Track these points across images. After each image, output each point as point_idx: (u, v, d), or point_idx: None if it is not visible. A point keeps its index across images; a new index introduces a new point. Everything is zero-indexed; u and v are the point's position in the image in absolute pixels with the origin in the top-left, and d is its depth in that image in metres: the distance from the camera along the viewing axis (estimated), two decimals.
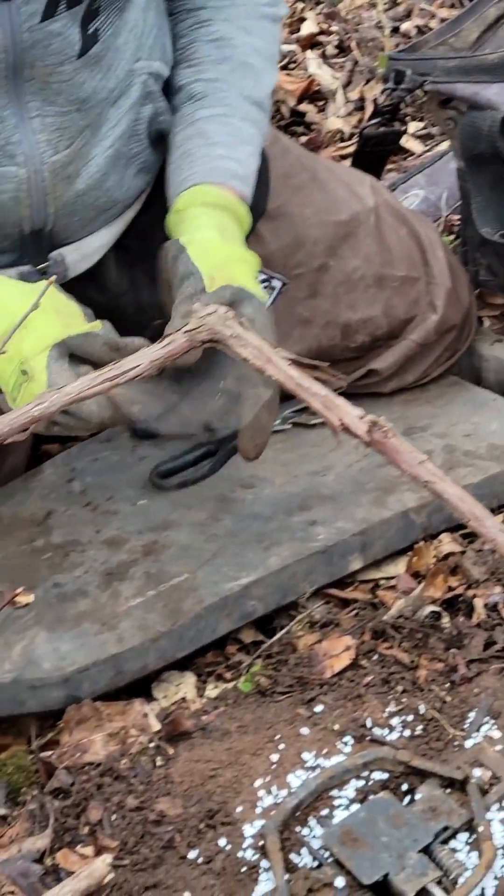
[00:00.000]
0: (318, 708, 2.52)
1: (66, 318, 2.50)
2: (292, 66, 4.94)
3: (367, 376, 3.17)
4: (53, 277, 2.34)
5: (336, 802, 2.33)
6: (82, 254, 2.81)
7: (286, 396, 2.25)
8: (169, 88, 2.82)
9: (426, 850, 2.21)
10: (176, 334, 2.15)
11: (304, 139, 4.51)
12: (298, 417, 3.11)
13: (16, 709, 2.57)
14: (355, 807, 2.31)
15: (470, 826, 2.26)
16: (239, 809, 2.35)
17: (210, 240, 2.57)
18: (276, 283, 2.85)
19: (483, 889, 2.18)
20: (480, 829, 2.24)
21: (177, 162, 2.73)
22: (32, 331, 2.45)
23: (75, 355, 2.45)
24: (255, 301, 2.48)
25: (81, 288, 2.83)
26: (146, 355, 2.14)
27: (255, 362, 2.14)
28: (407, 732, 2.46)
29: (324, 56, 4.96)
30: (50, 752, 2.52)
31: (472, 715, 2.47)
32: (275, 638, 2.68)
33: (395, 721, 2.48)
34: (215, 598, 2.66)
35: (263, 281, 2.84)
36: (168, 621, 2.62)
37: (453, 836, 2.25)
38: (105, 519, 2.93)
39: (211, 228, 2.59)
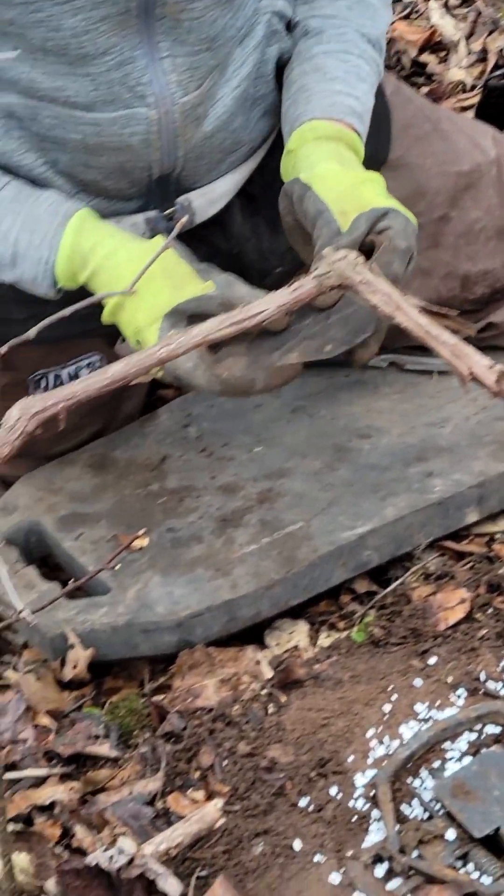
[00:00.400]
0: (432, 660, 2.47)
1: (176, 279, 2.43)
2: (414, 16, 4.84)
3: (485, 329, 3.09)
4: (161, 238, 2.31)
5: (448, 755, 2.29)
6: (209, 199, 2.76)
7: None
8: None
9: None
10: (305, 279, 2.10)
11: (425, 90, 4.42)
12: (396, 358, 3.07)
13: (129, 652, 2.55)
14: (467, 760, 2.27)
15: None
16: (350, 759, 2.31)
17: (331, 170, 2.49)
18: None
19: None
20: None
21: (293, 97, 2.65)
22: (143, 300, 2.40)
23: (195, 317, 2.39)
24: (394, 213, 2.39)
25: (207, 235, 2.79)
26: (273, 300, 2.10)
27: (384, 309, 2.08)
28: None
29: (446, 6, 4.85)
30: (162, 696, 2.50)
31: None
32: (389, 588, 2.63)
33: None
34: (330, 546, 2.62)
35: None
36: (282, 569, 2.59)
37: None
38: (220, 465, 2.89)
39: (329, 160, 2.51)
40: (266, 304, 2.12)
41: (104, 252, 2.48)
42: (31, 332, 2.05)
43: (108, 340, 2.83)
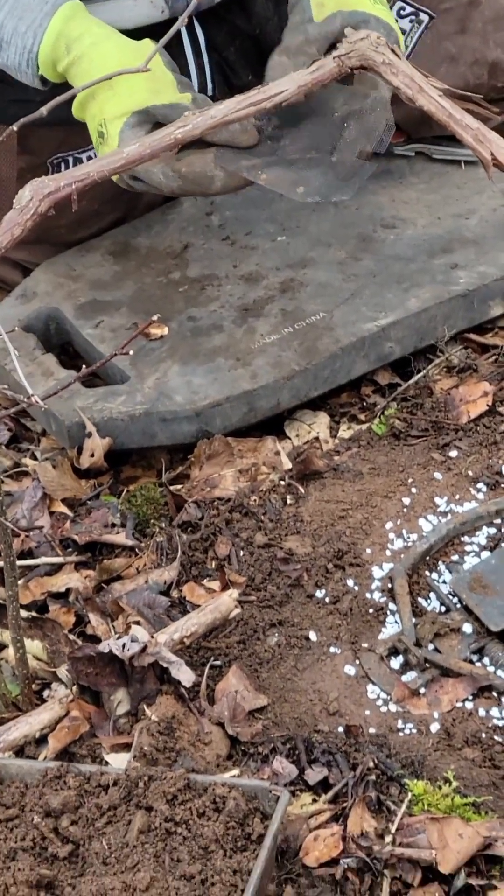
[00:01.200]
0: (453, 453, 2.37)
1: (156, 84, 2.27)
2: None
3: None
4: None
5: (467, 549, 2.21)
6: None
7: None
8: None
9: None
10: (325, 59, 1.99)
11: None
12: (423, 148, 2.92)
13: (147, 441, 2.45)
14: (486, 554, 2.20)
15: None
16: (368, 551, 2.23)
17: None
18: (424, 17, 2.63)
19: None
20: None
21: None
22: (116, 94, 2.26)
23: (159, 125, 2.23)
24: (371, 22, 2.21)
25: (228, 15, 2.63)
26: (294, 80, 1.98)
27: (406, 91, 1.96)
28: None
29: None
30: (179, 486, 2.41)
31: None
32: (411, 381, 2.52)
33: None
34: (352, 338, 2.50)
35: (410, 14, 2.62)
36: (303, 360, 2.48)
37: None
38: (243, 254, 2.77)
39: None
40: (286, 84, 2.00)
41: (91, 40, 2.32)
42: (43, 111, 1.92)
43: None
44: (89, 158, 2.73)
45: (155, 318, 1.91)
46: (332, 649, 2.10)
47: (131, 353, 2.26)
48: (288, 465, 2.40)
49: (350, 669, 2.07)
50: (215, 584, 2.20)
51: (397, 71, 1.94)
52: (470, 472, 2.33)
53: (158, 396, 2.43)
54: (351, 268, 2.68)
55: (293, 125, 2.28)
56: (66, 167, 2.74)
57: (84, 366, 2.06)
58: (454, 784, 1.84)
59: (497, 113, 2.37)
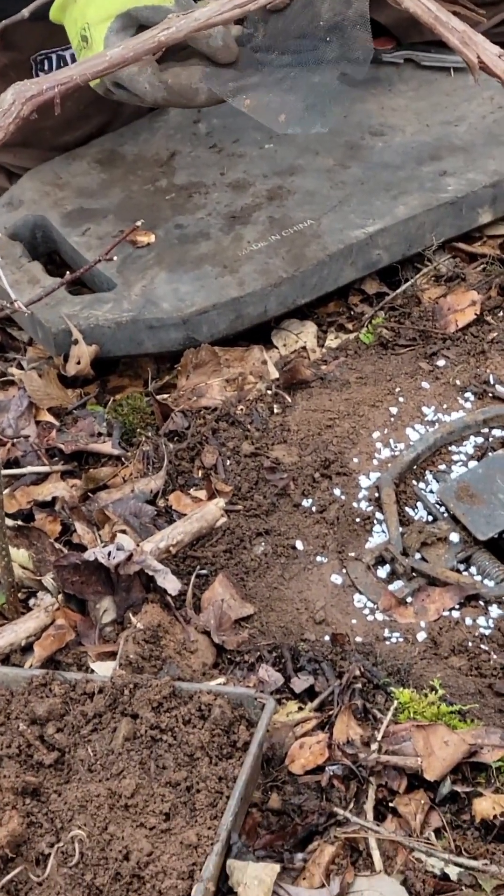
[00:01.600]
0: (441, 362, 2.33)
1: None
2: None
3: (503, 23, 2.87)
4: None
5: (454, 458, 2.18)
6: None
7: None
8: None
9: None
10: None
11: None
12: (412, 55, 2.85)
13: (133, 349, 2.41)
14: (473, 463, 2.16)
15: None
16: (355, 460, 2.20)
17: None
18: None
19: None
20: None
21: None
22: None
23: (144, 27, 2.16)
24: None
25: None
26: None
27: None
28: None
29: None
30: (166, 395, 2.37)
31: None
32: (399, 290, 2.47)
33: None
34: (340, 245, 2.45)
35: None
36: (290, 267, 2.43)
37: None
38: (230, 161, 2.71)
39: None
40: None
41: None
42: (25, 12, 1.86)
43: None
44: (73, 57, 2.67)
45: (138, 223, 1.86)
46: (318, 558, 2.07)
47: (116, 258, 2.21)
48: (275, 374, 2.36)
49: (337, 578, 2.04)
50: (202, 494, 2.16)
51: None
52: (457, 382, 2.29)
53: (145, 304, 2.38)
54: (339, 175, 2.62)
55: (280, 36, 2.22)
56: (50, 65, 2.67)
57: (68, 272, 2.01)
58: (440, 692, 1.82)
59: (484, 16, 2.30)
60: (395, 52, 2.84)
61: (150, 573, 1.94)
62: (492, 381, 2.28)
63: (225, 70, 2.18)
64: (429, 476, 2.15)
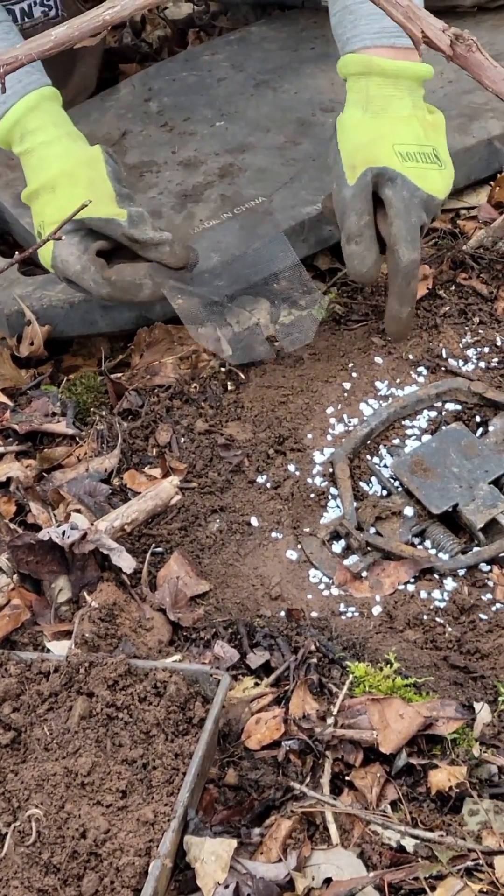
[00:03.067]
0: None
1: (95, 195, 2.21)
2: None
3: None
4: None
5: (408, 432, 2.17)
6: None
7: None
8: None
9: (497, 482, 2.06)
10: None
11: None
12: None
13: (87, 329, 2.39)
14: (427, 437, 2.15)
15: None
16: (309, 436, 2.19)
17: (352, 118, 2.22)
18: None
19: None
20: None
21: (338, 16, 2.30)
22: (56, 199, 2.23)
23: (94, 232, 2.23)
24: (397, 181, 2.14)
25: None
26: None
27: None
28: (483, 364, 2.27)
29: None
30: (120, 374, 2.35)
31: None
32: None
33: (470, 352, 2.29)
34: (292, 221, 2.44)
35: None
36: (243, 244, 2.42)
37: None
38: (181, 140, 2.70)
39: (355, 105, 2.23)
40: None
41: (43, 139, 2.27)
42: None
43: None
44: (22, 11, 2.66)
45: (87, 202, 1.84)
46: (273, 534, 2.06)
47: (64, 238, 2.20)
48: (229, 351, 2.34)
49: (292, 554, 2.03)
50: (156, 472, 2.15)
51: None
52: (410, 356, 2.28)
53: None
54: (290, 152, 2.61)
55: (236, 277, 2.33)
56: None
57: (17, 252, 1.99)
58: (395, 665, 1.81)
59: None
60: None
61: (105, 552, 1.93)
62: (444, 355, 2.28)
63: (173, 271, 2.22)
64: (383, 451, 2.15)
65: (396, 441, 2.16)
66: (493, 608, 1.95)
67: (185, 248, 2.22)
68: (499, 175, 2.57)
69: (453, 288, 2.38)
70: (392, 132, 2.17)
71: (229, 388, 2.27)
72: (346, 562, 2.02)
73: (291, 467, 2.14)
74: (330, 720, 1.74)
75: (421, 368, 2.26)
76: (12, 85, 2.25)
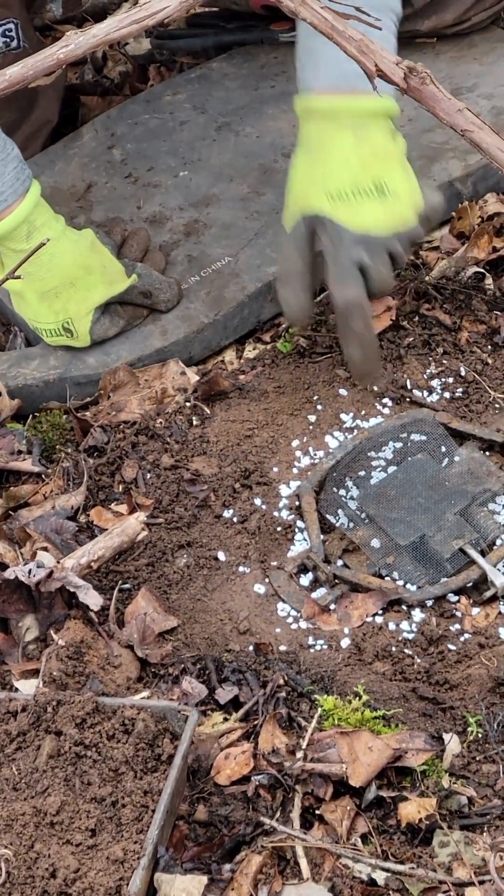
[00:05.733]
0: None
1: (109, 276, 2.33)
2: None
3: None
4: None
5: (374, 464, 2.17)
6: None
7: None
8: None
9: (463, 513, 2.06)
10: None
11: None
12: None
13: (59, 400, 2.37)
14: (393, 469, 2.15)
15: None
16: (275, 470, 2.18)
17: (295, 164, 2.25)
18: None
19: None
20: None
21: (301, 60, 2.31)
22: (79, 291, 2.30)
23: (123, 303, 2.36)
24: (326, 224, 2.15)
25: None
26: None
27: (287, 4, 1.88)
28: (447, 394, 2.27)
29: None
30: (86, 412, 2.34)
31: None
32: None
33: (435, 383, 2.29)
34: (258, 283, 2.43)
35: None
36: (211, 311, 2.40)
37: (492, 498, 2.09)
38: (146, 193, 2.68)
39: (300, 148, 2.25)
40: (168, 1, 1.92)
41: (51, 234, 2.29)
42: None
43: (27, 2, 2.62)
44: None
45: (45, 240, 1.84)
46: (241, 568, 2.05)
47: (23, 277, 2.20)
48: (193, 386, 2.34)
49: (260, 588, 2.03)
50: (123, 508, 2.14)
51: None
52: (375, 388, 2.28)
53: (72, 360, 2.36)
54: (254, 204, 2.61)
55: None
56: None
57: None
58: (364, 698, 1.80)
59: (378, 20, 2.28)
60: (293, 32, 2.80)
61: (72, 589, 1.91)
62: (409, 386, 2.28)
63: None
64: (349, 482, 2.14)
65: (362, 473, 2.15)
66: (462, 638, 1.94)
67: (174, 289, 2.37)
68: (460, 206, 2.58)
69: (417, 319, 2.39)
70: (324, 173, 2.18)
71: (195, 422, 2.27)
72: (313, 595, 2.01)
73: (258, 501, 2.13)
74: (299, 754, 1.73)
75: (386, 400, 2.26)
76: (14, 179, 2.26)
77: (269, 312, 2.47)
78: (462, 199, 2.60)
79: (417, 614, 1.97)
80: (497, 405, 2.24)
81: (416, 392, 2.27)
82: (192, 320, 2.41)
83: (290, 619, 1.99)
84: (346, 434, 2.22)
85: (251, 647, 1.92)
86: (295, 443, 2.21)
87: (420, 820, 1.66)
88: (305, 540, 2.08)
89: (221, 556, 2.07)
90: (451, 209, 2.59)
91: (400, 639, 1.94)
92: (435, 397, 2.26)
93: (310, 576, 2.03)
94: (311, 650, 1.93)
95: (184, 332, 2.39)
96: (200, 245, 2.55)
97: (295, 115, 2.29)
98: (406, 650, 1.92)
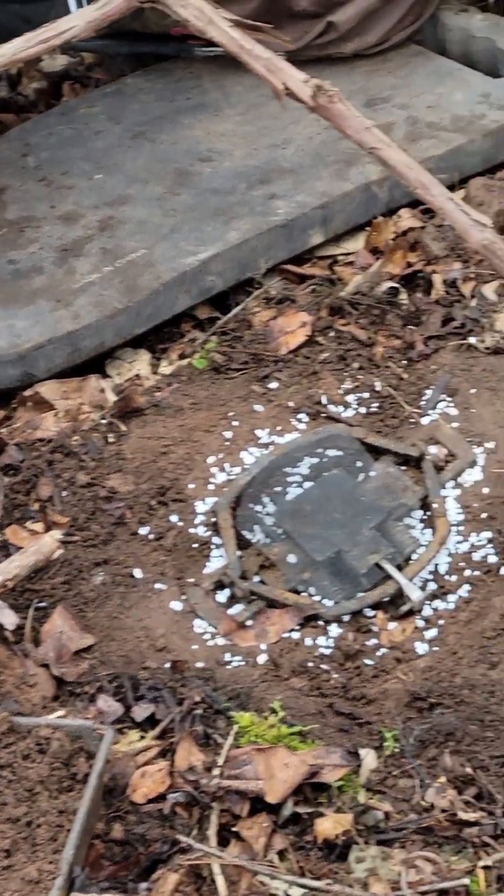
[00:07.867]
0: (273, 385, 2.34)
1: None
2: None
3: (325, 33, 2.89)
4: None
5: (290, 479, 2.18)
6: None
7: None
8: None
9: (380, 527, 2.08)
10: None
11: None
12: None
13: None
14: (309, 484, 2.17)
15: (424, 503, 2.12)
16: (191, 486, 2.19)
17: None
18: None
19: (437, 565, 2.05)
20: (435, 505, 2.10)
21: None
22: None
23: None
24: None
25: None
26: (83, 16, 1.91)
27: (196, 24, 1.91)
28: (363, 409, 2.29)
29: None
30: (1, 429, 2.34)
31: (428, 392, 2.30)
32: (231, 314, 2.48)
33: (350, 398, 2.31)
34: (173, 273, 2.45)
35: None
36: (125, 298, 2.42)
37: (407, 513, 2.11)
38: (60, 194, 2.70)
39: None
40: (76, 21, 1.94)
41: None
42: None
43: None
44: None
45: None
46: (157, 585, 2.06)
47: None
48: (109, 403, 2.35)
49: (176, 605, 2.03)
50: (39, 526, 2.14)
51: (186, 3, 1.89)
52: (290, 403, 2.30)
53: None
54: (169, 203, 2.63)
55: None
56: None
57: None
58: (281, 714, 1.81)
59: (288, 41, 2.32)
60: (210, 47, 2.82)
61: None
62: (324, 402, 2.29)
63: None
64: (265, 498, 2.15)
65: (278, 489, 2.17)
66: (378, 653, 1.96)
67: None
68: (374, 221, 2.60)
69: (332, 334, 2.41)
70: None
71: (110, 440, 2.27)
72: (230, 611, 2.02)
73: (174, 518, 2.14)
74: (216, 771, 1.74)
75: (301, 415, 2.28)
76: None
77: (183, 304, 2.48)
78: (378, 202, 2.62)
79: (334, 629, 1.99)
80: (412, 420, 2.26)
81: (331, 407, 2.28)
82: (104, 306, 2.42)
83: (206, 636, 2.00)
84: (262, 450, 2.23)
85: (168, 665, 1.93)
86: (211, 459, 2.22)
87: (337, 836, 1.67)
88: (222, 556, 2.09)
89: (138, 573, 2.07)
90: (369, 212, 2.62)
91: (317, 654, 1.95)
92: (350, 412, 2.28)
93: (227, 592, 2.04)
94: (228, 667, 1.94)
95: (96, 316, 2.40)
96: (115, 239, 2.56)
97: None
98: (323, 665, 1.93)
